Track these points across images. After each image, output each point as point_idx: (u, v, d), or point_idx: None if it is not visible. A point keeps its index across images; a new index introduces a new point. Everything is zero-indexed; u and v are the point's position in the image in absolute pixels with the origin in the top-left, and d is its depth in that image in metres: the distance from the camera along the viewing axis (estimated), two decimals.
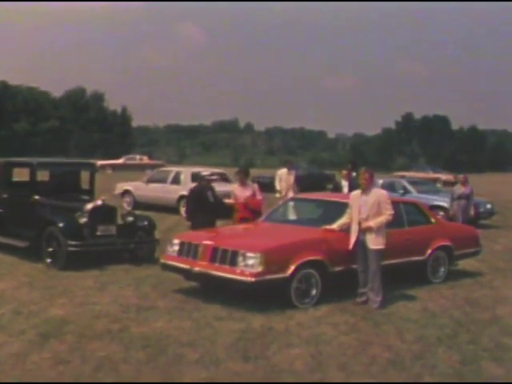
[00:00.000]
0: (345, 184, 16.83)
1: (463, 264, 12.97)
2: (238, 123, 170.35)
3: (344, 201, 10.66)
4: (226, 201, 12.96)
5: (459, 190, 18.30)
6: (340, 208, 10.55)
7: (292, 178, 18.25)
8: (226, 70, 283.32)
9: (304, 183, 25.78)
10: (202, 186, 12.87)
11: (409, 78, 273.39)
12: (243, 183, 12.90)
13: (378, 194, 9.91)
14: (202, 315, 8.96)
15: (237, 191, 12.87)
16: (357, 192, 10.11)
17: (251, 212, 12.48)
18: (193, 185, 19.42)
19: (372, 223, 9.65)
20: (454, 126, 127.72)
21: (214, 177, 13.17)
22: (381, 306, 9.72)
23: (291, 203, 12.36)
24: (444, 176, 50.39)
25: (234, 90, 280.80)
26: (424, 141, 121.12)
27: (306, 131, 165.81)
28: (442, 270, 11.94)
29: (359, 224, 9.77)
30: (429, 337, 8.33)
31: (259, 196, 12.86)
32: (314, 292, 9.70)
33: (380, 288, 9.78)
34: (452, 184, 45.21)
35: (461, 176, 18.76)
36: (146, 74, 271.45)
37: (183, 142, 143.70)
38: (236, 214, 12.74)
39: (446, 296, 10.74)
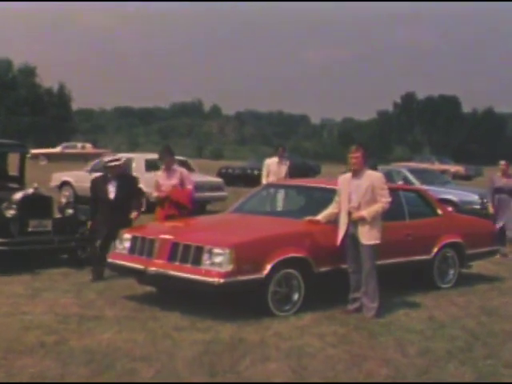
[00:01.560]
0: None
1: (477, 266, 13.07)
2: (202, 106, 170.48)
3: (331, 187, 10.69)
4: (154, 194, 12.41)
5: (500, 181, 16.54)
6: (326, 195, 10.60)
7: (284, 170, 17.49)
8: (185, 40, 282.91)
9: None
10: (103, 176, 12.22)
11: (410, 50, 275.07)
12: (168, 168, 12.34)
13: (373, 177, 9.91)
14: (158, 325, 8.93)
15: (160, 179, 12.37)
16: (346, 175, 10.10)
17: (177, 207, 12.02)
18: (148, 175, 19.44)
19: (365, 213, 9.67)
20: (466, 109, 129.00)
21: (116, 163, 12.09)
22: (377, 314, 9.75)
23: (267, 190, 12.37)
24: (453, 168, 50.91)
25: (196, 66, 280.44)
26: (428, 127, 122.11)
27: (284, 116, 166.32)
28: (452, 272, 12.04)
29: (349, 214, 9.79)
30: (436, 350, 8.35)
31: (189, 185, 12.33)
32: (295, 297, 9.72)
33: (376, 292, 9.81)
34: (463, 177, 46.07)
35: (502, 163, 16.82)
36: (88, 44, 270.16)
37: (136, 128, 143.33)
38: (158, 210, 12.32)
39: (456, 303, 10.81)
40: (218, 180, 24.24)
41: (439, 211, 12.17)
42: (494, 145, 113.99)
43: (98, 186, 12.08)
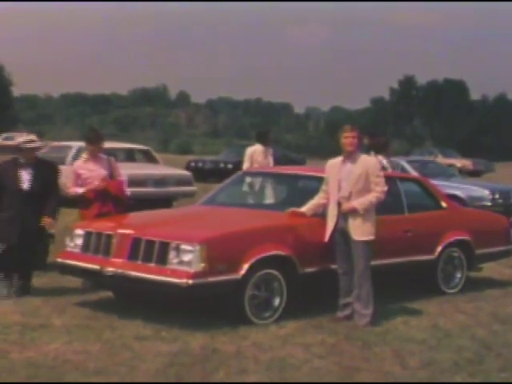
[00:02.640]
0: None
1: (488, 269, 13.17)
2: (168, 93, 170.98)
3: (318, 174, 10.72)
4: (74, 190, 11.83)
5: None
6: (312, 184, 10.65)
7: (271, 160, 16.60)
8: (148, 17, 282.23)
9: None
10: (14, 160, 11.31)
11: (410, 28, 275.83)
12: (95, 156, 11.79)
13: (367, 162, 9.91)
14: (117, 335, 8.92)
15: (83, 170, 11.75)
16: (336, 160, 10.07)
17: (114, 201, 11.57)
18: None
19: (356, 204, 9.67)
20: (474, 95, 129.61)
21: (34, 144, 11.11)
22: (371, 321, 9.77)
23: (245, 179, 12.38)
24: (459, 162, 51.02)
25: (159, 44, 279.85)
26: (431, 116, 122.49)
27: (264, 104, 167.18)
28: (459, 275, 12.09)
29: (339, 205, 9.80)
30: (441, 362, 8.38)
31: (119, 175, 11.94)
32: (276, 302, 9.73)
33: (370, 297, 9.84)
34: (471, 173, 46.10)
35: None
36: (30, 18, 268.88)
37: (89, 118, 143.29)
38: (83, 208, 11.84)
39: (464, 310, 10.86)
40: (186, 173, 24.17)
41: (443, 204, 12.19)
42: (506, 136, 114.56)
43: (5, 172, 11.20)
